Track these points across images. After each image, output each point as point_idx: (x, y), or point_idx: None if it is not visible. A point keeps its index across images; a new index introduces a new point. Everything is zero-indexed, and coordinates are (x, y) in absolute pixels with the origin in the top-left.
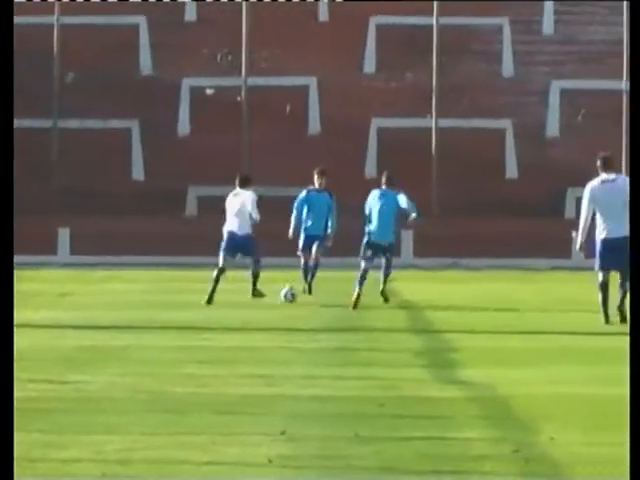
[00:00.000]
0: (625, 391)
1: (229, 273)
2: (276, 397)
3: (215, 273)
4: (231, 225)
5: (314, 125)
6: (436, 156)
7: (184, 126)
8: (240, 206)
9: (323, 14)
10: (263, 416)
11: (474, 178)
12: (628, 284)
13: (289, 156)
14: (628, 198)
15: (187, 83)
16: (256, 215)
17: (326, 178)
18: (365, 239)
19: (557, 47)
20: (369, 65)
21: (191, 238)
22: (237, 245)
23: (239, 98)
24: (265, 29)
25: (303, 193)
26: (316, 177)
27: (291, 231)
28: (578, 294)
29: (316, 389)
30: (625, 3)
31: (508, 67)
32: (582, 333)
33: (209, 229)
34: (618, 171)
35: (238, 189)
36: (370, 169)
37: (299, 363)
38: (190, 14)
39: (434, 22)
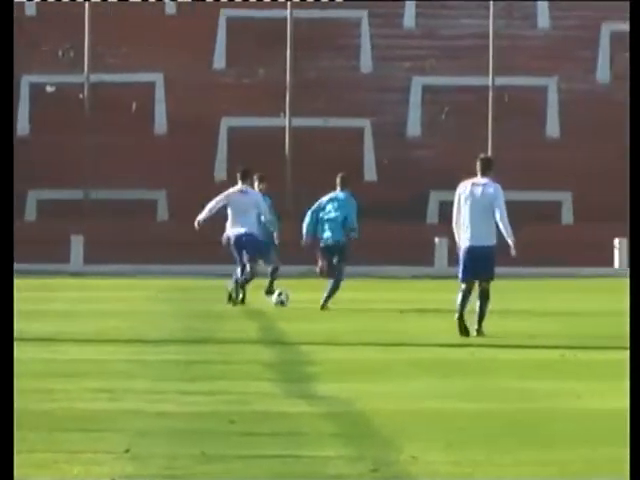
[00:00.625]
0: (483, 405)
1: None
2: (120, 413)
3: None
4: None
5: (160, 124)
6: (290, 157)
7: (23, 125)
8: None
9: (170, 7)
10: (107, 433)
11: (331, 179)
12: (487, 305)
13: (134, 157)
14: (498, 205)
15: (27, 80)
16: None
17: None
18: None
19: (419, 41)
20: (219, 61)
21: (30, 244)
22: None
23: (81, 95)
24: (110, 23)
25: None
26: (256, 183)
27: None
28: (439, 303)
29: (162, 404)
30: None
31: (367, 62)
32: (443, 345)
33: (50, 235)
34: (493, 176)
35: (241, 185)
36: (219, 171)
37: (145, 377)
38: (30, 9)
39: (288, 15)
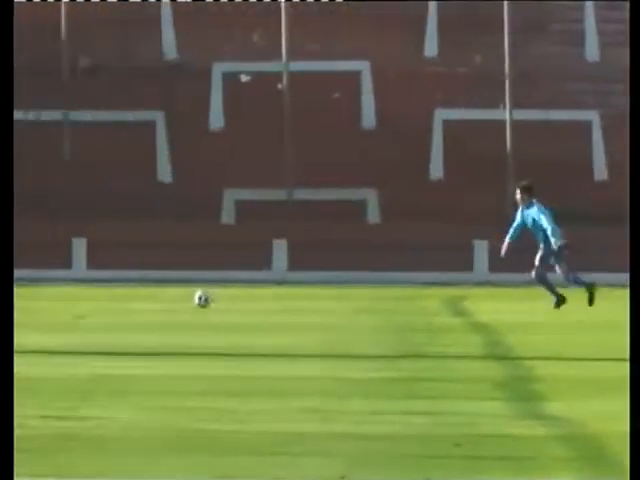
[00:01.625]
0: None
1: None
2: (332, 435)
3: None
4: None
5: (368, 118)
6: (511, 155)
7: (216, 118)
8: None
9: None
10: (318, 457)
11: (557, 181)
12: None
13: (340, 153)
14: None
15: (219, 68)
16: None
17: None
18: None
19: None
20: (430, 48)
21: (226, 249)
22: None
23: (279, 85)
24: (311, 6)
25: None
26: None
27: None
28: None
29: (380, 426)
30: None
31: (592, 50)
32: None
33: (246, 238)
34: None
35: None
36: (435, 170)
37: (358, 395)
38: None
39: None
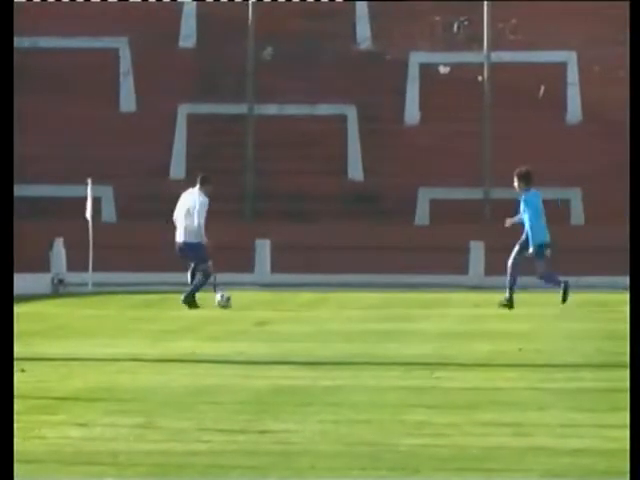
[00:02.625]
0: None
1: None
2: (529, 449)
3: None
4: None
5: (574, 111)
6: None
7: (412, 113)
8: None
9: None
10: (513, 473)
11: None
12: None
13: (543, 149)
14: None
15: (415, 59)
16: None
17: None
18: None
19: None
20: None
21: (422, 250)
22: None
23: (480, 78)
24: None
25: None
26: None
27: None
28: None
29: (578, 440)
30: None
31: None
32: None
33: (442, 239)
34: None
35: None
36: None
37: (557, 408)
38: None
39: None
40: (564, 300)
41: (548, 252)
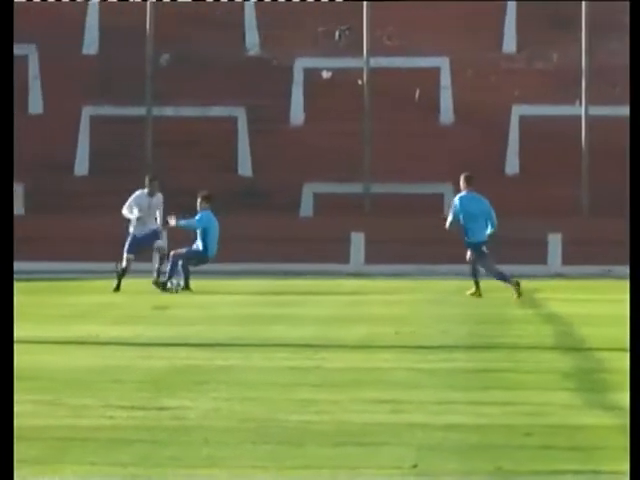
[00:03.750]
0: None
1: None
2: (405, 425)
3: None
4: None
5: (446, 112)
6: (587, 149)
7: (297, 114)
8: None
9: None
10: (391, 447)
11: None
12: None
13: (418, 148)
14: None
15: (300, 64)
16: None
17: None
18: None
19: None
20: (509, 44)
21: (307, 241)
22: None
23: (360, 82)
24: (390, 2)
25: None
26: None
27: None
28: None
29: (452, 416)
30: None
31: None
32: None
33: (325, 231)
34: None
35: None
36: (511, 164)
37: (431, 386)
38: None
39: None
40: (518, 293)
41: (484, 248)
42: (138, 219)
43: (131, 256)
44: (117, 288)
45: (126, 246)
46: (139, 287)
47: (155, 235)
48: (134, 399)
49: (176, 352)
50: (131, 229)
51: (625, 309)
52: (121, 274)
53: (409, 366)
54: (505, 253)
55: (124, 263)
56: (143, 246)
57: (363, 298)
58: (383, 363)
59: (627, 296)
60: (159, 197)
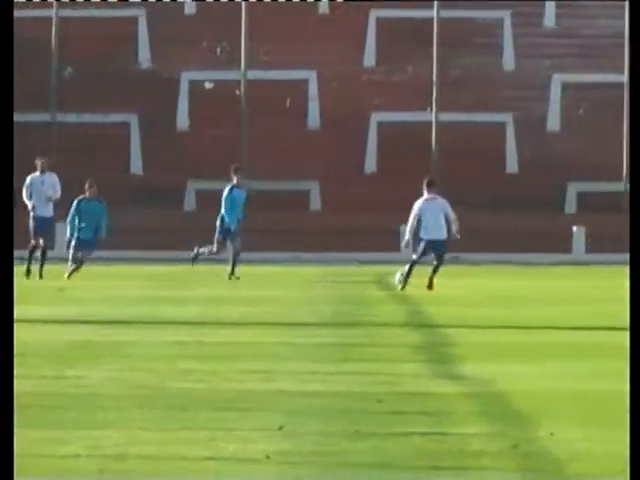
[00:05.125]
0: (619, 386)
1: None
2: (275, 393)
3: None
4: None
5: (313, 119)
6: (436, 150)
7: (182, 120)
8: None
9: (323, 7)
10: (261, 412)
11: (475, 172)
12: None
13: (289, 150)
14: None
15: (186, 77)
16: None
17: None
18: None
19: (558, 40)
20: (369, 58)
21: (189, 233)
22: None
23: (238, 92)
24: (265, 22)
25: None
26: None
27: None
28: (576, 289)
29: (315, 385)
30: None
31: (509, 60)
32: (579, 328)
33: (208, 224)
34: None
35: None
36: (369, 163)
37: (298, 358)
38: (190, 7)
39: (435, 15)
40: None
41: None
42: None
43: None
44: (27, 273)
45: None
46: (48, 272)
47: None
48: (37, 369)
49: (76, 329)
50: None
51: (468, 290)
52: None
53: (279, 341)
54: (366, 242)
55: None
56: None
57: (241, 281)
58: (256, 338)
59: (471, 280)
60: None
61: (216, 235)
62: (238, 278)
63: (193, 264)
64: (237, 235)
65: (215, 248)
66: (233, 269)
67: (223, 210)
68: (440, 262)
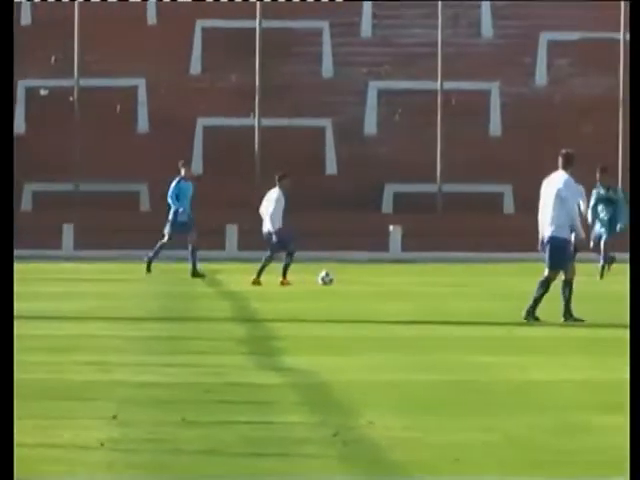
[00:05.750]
0: (433, 377)
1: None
2: (110, 383)
3: None
4: None
5: (143, 123)
6: (259, 153)
7: (19, 125)
8: None
9: (151, 17)
10: (97, 401)
11: (295, 174)
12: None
13: (119, 153)
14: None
15: (23, 84)
16: None
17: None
18: None
19: (375, 49)
20: (195, 67)
21: (26, 232)
22: None
23: (71, 98)
24: (96, 32)
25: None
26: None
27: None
28: (395, 285)
29: (147, 375)
30: (440, 4)
31: (328, 68)
32: (400, 323)
33: (44, 223)
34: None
35: None
36: (196, 166)
37: (131, 351)
38: (25, 19)
39: (257, 25)
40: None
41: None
42: None
43: None
44: None
45: None
46: None
47: None
48: None
49: None
50: None
51: (292, 286)
52: None
53: (114, 334)
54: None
55: None
56: None
57: (80, 278)
58: (95, 331)
59: (297, 275)
60: None
61: (167, 228)
62: (203, 276)
63: (148, 272)
64: (192, 227)
65: (165, 239)
66: (194, 266)
67: (170, 201)
68: (268, 259)
